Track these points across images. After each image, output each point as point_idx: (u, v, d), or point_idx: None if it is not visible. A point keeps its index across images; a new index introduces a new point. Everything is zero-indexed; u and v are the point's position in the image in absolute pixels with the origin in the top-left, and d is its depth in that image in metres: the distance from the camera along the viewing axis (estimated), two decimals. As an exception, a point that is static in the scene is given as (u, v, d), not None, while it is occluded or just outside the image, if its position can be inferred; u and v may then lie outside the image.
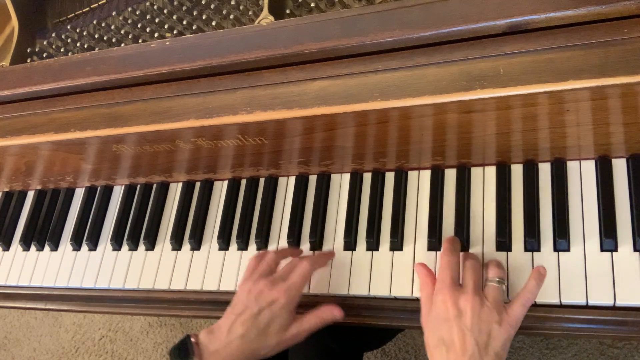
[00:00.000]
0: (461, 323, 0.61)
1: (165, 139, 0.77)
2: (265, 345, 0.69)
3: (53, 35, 0.95)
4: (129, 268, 0.89)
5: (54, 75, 0.80)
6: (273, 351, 0.70)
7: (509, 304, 0.64)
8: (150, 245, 0.90)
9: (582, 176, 0.71)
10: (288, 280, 0.71)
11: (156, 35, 0.87)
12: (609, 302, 0.64)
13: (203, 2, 0.84)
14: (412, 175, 0.79)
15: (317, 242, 0.80)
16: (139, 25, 0.89)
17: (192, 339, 0.69)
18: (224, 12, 0.82)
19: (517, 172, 0.74)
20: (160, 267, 0.88)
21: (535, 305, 0.67)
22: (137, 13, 0.89)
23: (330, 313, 0.72)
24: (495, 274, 0.66)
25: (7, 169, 0.95)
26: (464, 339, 0.60)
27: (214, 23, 0.83)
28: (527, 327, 0.68)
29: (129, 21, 0.90)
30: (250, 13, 0.80)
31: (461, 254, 0.70)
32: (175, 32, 0.84)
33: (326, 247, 0.80)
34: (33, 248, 0.99)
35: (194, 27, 0.83)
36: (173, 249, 0.88)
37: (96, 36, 0.92)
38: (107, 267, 0.91)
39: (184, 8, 0.86)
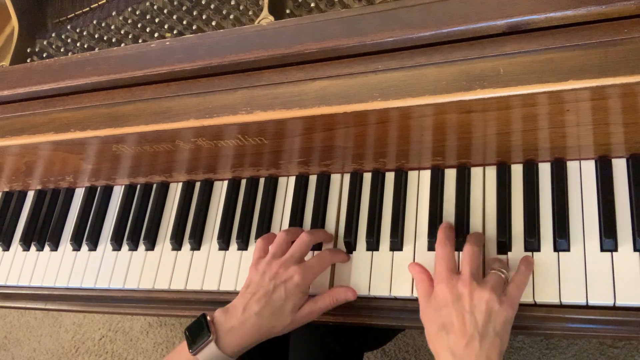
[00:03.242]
0: (459, 306, 0.62)
1: (165, 139, 0.77)
2: (280, 323, 0.70)
3: (53, 35, 0.95)
4: (129, 268, 0.89)
5: (54, 75, 0.80)
6: (287, 329, 0.72)
7: (505, 287, 0.65)
8: (150, 245, 0.90)
9: (582, 176, 0.71)
10: (306, 262, 0.73)
11: (156, 35, 0.87)
12: (609, 302, 0.64)
13: (203, 2, 0.84)
14: (412, 175, 0.79)
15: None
16: (139, 25, 0.89)
17: (208, 317, 0.70)
18: (224, 12, 0.82)
19: (517, 172, 0.74)
20: (160, 267, 0.88)
21: (535, 305, 0.67)
22: (137, 13, 0.89)
23: (344, 294, 0.73)
24: (498, 266, 0.67)
25: (7, 169, 0.95)
26: (464, 321, 0.61)
27: (214, 23, 0.83)
28: (527, 327, 0.68)
29: (129, 21, 0.90)
30: (250, 13, 0.80)
31: (470, 234, 0.71)
32: (175, 32, 0.84)
33: (326, 247, 0.80)
34: (33, 248, 0.99)
35: (194, 27, 0.83)
36: (173, 249, 0.88)
37: (96, 36, 0.92)
38: (107, 267, 0.91)
39: (184, 8, 0.86)
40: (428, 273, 0.70)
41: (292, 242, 0.76)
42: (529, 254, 0.69)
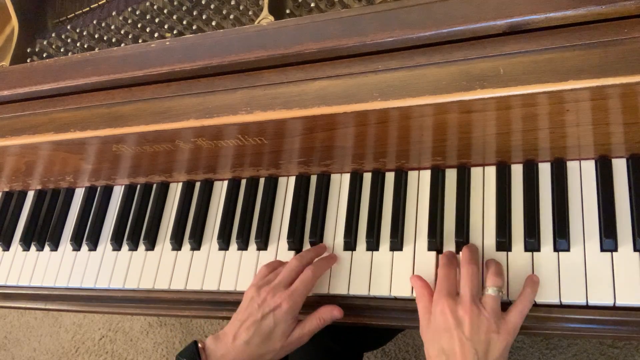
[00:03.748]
0: (460, 333, 0.62)
1: (165, 139, 0.77)
2: (270, 350, 0.71)
3: (53, 35, 0.95)
4: (129, 268, 0.89)
5: (54, 75, 0.80)
6: (278, 355, 0.72)
7: (507, 312, 0.65)
8: (150, 245, 0.90)
9: (582, 176, 0.71)
10: (291, 287, 0.73)
11: (156, 35, 0.87)
12: (609, 302, 0.64)
13: (203, 2, 0.84)
14: (412, 175, 0.79)
15: (317, 242, 0.80)
16: (139, 25, 0.89)
17: (199, 345, 0.71)
18: (224, 12, 0.82)
19: (517, 172, 0.74)
20: (160, 267, 0.87)
21: (535, 305, 0.67)
22: (137, 13, 0.89)
23: (330, 313, 0.73)
24: (492, 283, 0.66)
25: (7, 169, 0.95)
26: (464, 349, 0.61)
27: (214, 23, 0.83)
28: (527, 327, 0.68)
29: (129, 21, 0.90)
30: (250, 13, 0.80)
31: (465, 248, 0.71)
32: (175, 32, 0.84)
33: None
34: (33, 248, 0.99)
35: (194, 27, 0.83)
36: (173, 249, 0.88)
37: (96, 36, 0.92)
38: (107, 267, 0.91)
39: (184, 8, 0.86)
40: (429, 288, 0.70)
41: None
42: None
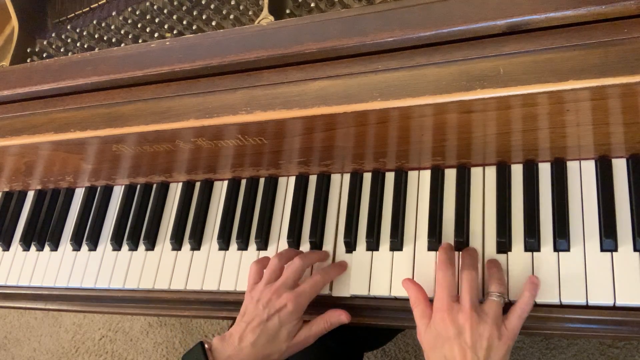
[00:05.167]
0: (461, 341, 0.62)
1: (165, 139, 0.77)
2: (275, 350, 0.71)
3: (53, 35, 0.95)
4: (128, 268, 0.89)
5: (54, 75, 0.80)
6: (283, 356, 0.72)
7: (506, 317, 0.65)
8: (150, 245, 0.90)
9: (582, 176, 0.71)
10: (298, 288, 0.73)
11: (156, 35, 0.87)
12: (609, 302, 0.64)
13: (203, 2, 0.84)
14: (412, 175, 0.79)
15: (317, 242, 0.80)
16: (139, 25, 0.89)
17: (206, 345, 0.71)
18: (224, 12, 0.82)
19: (517, 172, 0.74)
20: (160, 267, 0.88)
21: (535, 305, 0.67)
22: (137, 13, 0.89)
23: (338, 317, 0.74)
24: (495, 289, 0.66)
25: (7, 169, 0.95)
26: (465, 357, 0.61)
27: (214, 23, 0.83)
28: (527, 327, 0.68)
29: (129, 21, 0.90)
30: (250, 13, 0.80)
31: (465, 252, 0.70)
32: (175, 32, 0.84)
33: (326, 247, 0.80)
34: (33, 248, 0.99)
35: (194, 27, 0.83)
36: (173, 249, 0.88)
37: (96, 36, 0.92)
38: (107, 267, 0.91)
39: (184, 8, 0.86)
40: (424, 292, 0.70)
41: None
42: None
